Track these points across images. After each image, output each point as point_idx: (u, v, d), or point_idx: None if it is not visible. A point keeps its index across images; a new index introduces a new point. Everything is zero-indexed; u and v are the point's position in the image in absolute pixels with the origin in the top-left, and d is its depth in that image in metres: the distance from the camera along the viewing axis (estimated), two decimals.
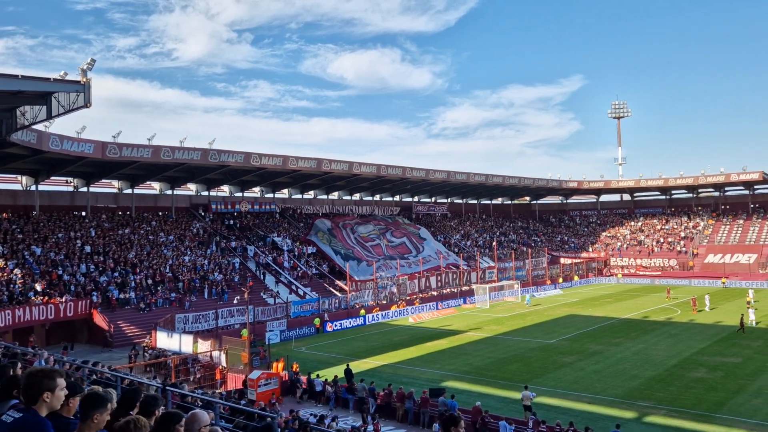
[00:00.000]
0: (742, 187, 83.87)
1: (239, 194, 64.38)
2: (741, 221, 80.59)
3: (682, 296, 57.65)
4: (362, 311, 49.10)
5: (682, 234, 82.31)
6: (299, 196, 70.82)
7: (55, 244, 43.94)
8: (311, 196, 72.01)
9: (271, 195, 67.75)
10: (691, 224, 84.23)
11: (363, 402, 24.75)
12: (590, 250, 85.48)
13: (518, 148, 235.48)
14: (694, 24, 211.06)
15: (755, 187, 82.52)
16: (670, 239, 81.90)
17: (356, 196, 76.48)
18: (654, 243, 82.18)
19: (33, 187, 48.47)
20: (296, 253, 58.41)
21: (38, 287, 37.85)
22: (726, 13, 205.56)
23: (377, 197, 78.84)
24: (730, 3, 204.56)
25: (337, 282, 55.70)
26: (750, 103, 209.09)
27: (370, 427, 21.31)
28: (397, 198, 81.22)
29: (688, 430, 21.26)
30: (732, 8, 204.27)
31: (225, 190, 63.56)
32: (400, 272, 58.93)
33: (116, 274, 43.39)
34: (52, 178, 48.93)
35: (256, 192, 66.31)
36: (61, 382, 3.61)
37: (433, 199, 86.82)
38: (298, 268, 55.91)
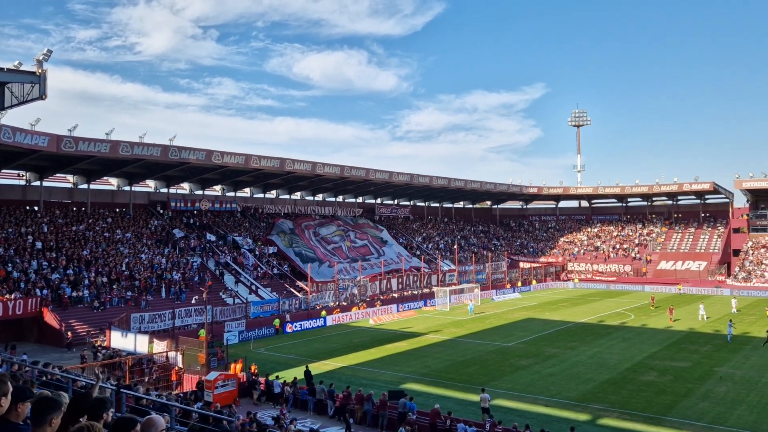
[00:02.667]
0: (694, 197, 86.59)
1: (200, 192, 63.33)
2: (692, 229, 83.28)
3: (636, 302, 59.33)
4: (323, 312, 48.88)
5: (637, 241, 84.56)
6: (261, 195, 70.08)
7: (5, 240, 42.39)
8: (273, 196, 71.35)
9: (232, 194, 66.85)
10: (645, 231, 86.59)
11: (343, 411, 24.29)
12: (548, 254, 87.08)
13: (481, 153, 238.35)
14: (652, 34, 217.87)
15: (706, 197, 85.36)
16: (625, 246, 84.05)
17: (319, 197, 76.18)
18: (610, 249, 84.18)
19: None
20: (257, 253, 57.80)
21: None
22: (682, 26, 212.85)
23: (340, 198, 78.67)
24: (686, 19, 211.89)
25: (298, 283, 55.35)
26: (703, 115, 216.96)
27: None
28: (360, 199, 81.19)
29: None
30: (688, 23, 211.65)
31: (185, 187, 62.43)
32: (361, 274, 58.92)
33: (69, 271, 42.11)
34: (3, 171, 47.18)
35: (217, 190, 65.35)
36: (9, 387, 3.52)
37: (396, 202, 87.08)
38: (259, 268, 55.33)
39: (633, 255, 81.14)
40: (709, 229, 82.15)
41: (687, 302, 57.33)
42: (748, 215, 79.83)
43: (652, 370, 30.93)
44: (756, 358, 33.73)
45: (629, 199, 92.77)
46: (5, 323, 36.41)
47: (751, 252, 74.78)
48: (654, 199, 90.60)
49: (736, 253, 76.26)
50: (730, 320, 41.17)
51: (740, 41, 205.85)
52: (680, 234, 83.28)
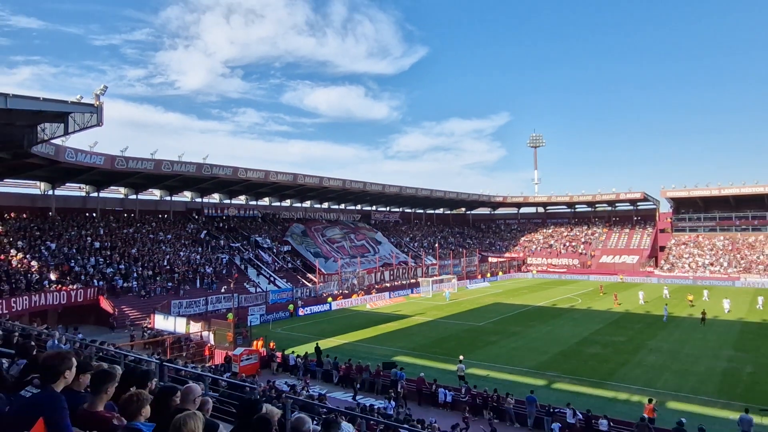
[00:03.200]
0: (628, 204, 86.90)
1: (227, 201, 63.00)
2: (627, 230, 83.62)
3: (583, 289, 59.47)
4: (329, 299, 48.68)
5: (583, 239, 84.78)
6: (278, 203, 69.76)
7: (68, 241, 42.03)
8: (288, 204, 71.03)
9: (254, 202, 66.53)
10: (589, 232, 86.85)
11: (346, 379, 24.07)
12: (512, 251, 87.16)
13: (457, 169, 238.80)
14: (597, 73, 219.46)
15: (638, 203, 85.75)
16: (573, 243, 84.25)
17: (325, 205, 75.92)
18: (561, 246, 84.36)
19: (50, 192, 46.26)
20: (275, 251, 57.53)
21: (52, 277, 36.12)
22: (621, 62, 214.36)
23: (342, 206, 78.42)
24: (625, 57, 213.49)
25: (308, 275, 55.08)
26: (636, 135, 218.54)
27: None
28: (358, 207, 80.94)
29: (586, 394, 21.81)
30: (623, 58, 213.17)
31: (215, 197, 62.07)
32: (360, 267, 58.74)
33: (121, 266, 41.76)
34: (67, 184, 46.84)
35: (241, 200, 65.01)
36: (74, 362, 3.48)
37: (388, 208, 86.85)
38: (276, 263, 55.06)
39: (580, 251, 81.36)
40: (641, 229, 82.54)
41: (626, 289, 57.51)
42: (671, 218, 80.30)
43: (596, 344, 31.00)
44: (679, 333, 33.88)
45: (576, 206, 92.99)
46: (69, 309, 36.09)
47: (673, 248, 75.17)
48: (596, 205, 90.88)
49: (662, 249, 76.66)
50: (666, 304, 41.20)
51: (659, 76, 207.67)
52: (618, 234, 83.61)
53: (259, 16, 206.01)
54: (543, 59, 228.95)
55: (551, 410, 18.96)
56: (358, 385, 22.89)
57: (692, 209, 78.92)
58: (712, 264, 68.70)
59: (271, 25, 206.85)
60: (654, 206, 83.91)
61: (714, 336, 32.84)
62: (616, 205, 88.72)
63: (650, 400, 18.96)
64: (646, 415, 17.64)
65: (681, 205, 79.40)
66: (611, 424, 17.72)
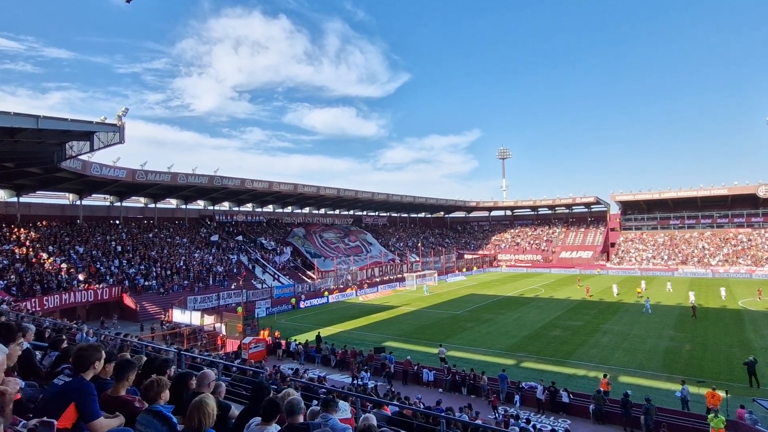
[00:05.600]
0: (583, 207, 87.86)
1: (236, 208, 62.44)
2: (582, 229, 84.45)
3: (546, 281, 59.68)
4: (326, 293, 48.40)
5: (545, 238, 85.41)
6: (281, 210, 69.33)
7: (95, 245, 41.32)
8: (289, 210, 70.63)
9: (260, 209, 66.04)
10: (550, 231, 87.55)
11: (342, 362, 23.91)
12: (484, 248, 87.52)
13: (436, 178, 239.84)
14: (553, 95, 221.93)
15: (591, 206, 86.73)
16: (537, 241, 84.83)
17: (322, 211, 75.61)
18: (526, 244, 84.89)
19: (78, 202, 45.46)
20: (278, 251, 57.11)
21: (81, 277, 35.44)
22: (573, 81, 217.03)
23: (337, 211, 78.18)
24: (578, 75, 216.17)
25: (308, 272, 54.78)
26: (589, 147, 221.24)
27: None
28: (351, 212, 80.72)
29: (550, 371, 21.88)
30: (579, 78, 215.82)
31: (225, 205, 61.48)
32: (353, 265, 58.52)
33: (142, 266, 41.16)
34: (93, 195, 46.09)
35: (249, 207, 64.48)
36: (103, 354, 3.43)
37: (377, 213, 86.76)
38: (280, 262, 54.63)
39: (542, 248, 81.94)
40: (594, 229, 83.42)
41: (587, 280, 57.85)
42: (620, 219, 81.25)
43: (557, 328, 31.15)
44: (628, 317, 34.18)
45: (539, 209, 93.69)
46: (96, 306, 35.49)
47: (622, 244, 76.09)
48: (556, 208, 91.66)
49: (613, 245, 77.51)
50: (647, 298, 38.05)
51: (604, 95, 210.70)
52: (574, 233, 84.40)
53: (263, 47, 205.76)
54: (508, 83, 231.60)
55: (520, 386, 19.01)
56: (366, 367, 22.75)
57: (637, 211, 79.99)
58: (654, 257, 69.66)
59: (274, 55, 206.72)
60: (605, 208, 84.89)
61: (657, 319, 33.23)
62: (573, 207, 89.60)
63: (605, 375, 19.12)
64: (601, 389, 17.79)
65: (628, 207, 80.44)
66: (571, 396, 17.82)
